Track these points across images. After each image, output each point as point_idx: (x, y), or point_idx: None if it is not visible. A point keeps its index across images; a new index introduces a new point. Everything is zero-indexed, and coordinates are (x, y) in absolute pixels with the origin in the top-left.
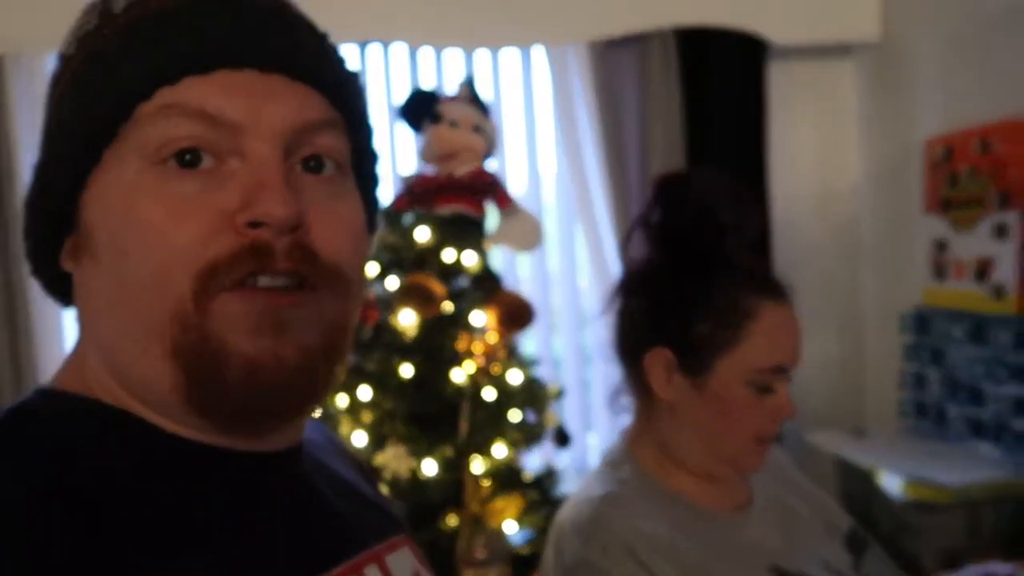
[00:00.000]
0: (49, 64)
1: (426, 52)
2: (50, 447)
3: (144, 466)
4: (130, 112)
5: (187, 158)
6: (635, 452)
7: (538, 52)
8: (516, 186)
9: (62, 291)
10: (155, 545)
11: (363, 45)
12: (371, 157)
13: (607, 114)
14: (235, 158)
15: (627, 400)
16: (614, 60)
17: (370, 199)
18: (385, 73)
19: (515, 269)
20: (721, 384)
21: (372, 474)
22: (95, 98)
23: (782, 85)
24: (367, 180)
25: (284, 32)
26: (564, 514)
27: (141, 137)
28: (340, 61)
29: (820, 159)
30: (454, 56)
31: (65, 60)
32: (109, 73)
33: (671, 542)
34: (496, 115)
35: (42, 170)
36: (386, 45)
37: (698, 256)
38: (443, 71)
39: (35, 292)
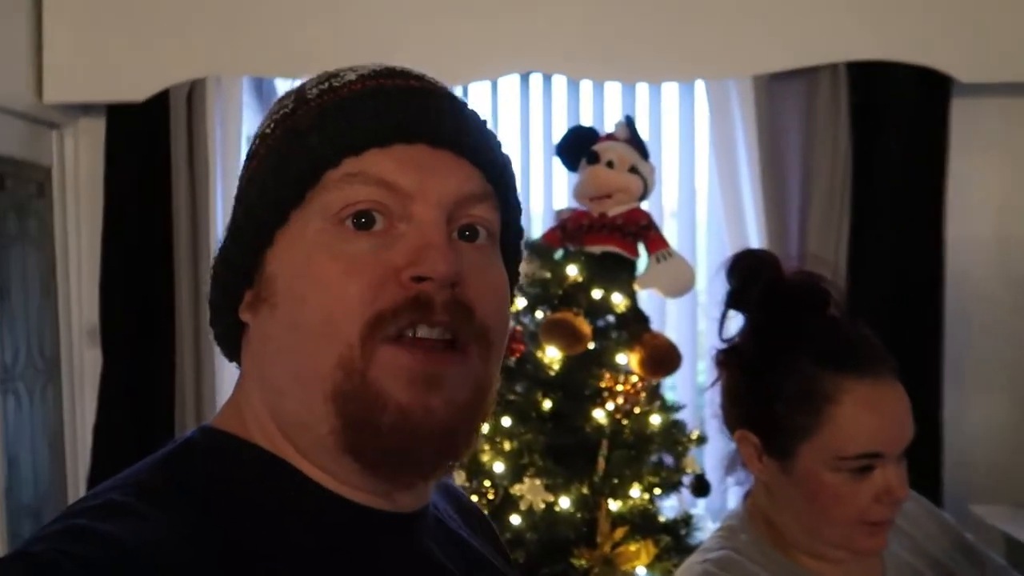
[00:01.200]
0: (244, 87)
1: (586, 85)
2: (206, 484)
3: (287, 512)
4: (319, 178)
5: (362, 220)
6: (753, 521)
7: (698, 86)
8: (668, 225)
9: (229, 342)
10: None
11: (525, 76)
12: (517, 232)
13: (768, 150)
14: (403, 222)
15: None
16: (778, 94)
17: (512, 271)
18: (545, 105)
19: (664, 308)
20: (806, 470)
21: (495, 535)
22: (289, 165)
23: (962, 123)
24: (511, 254)
25: (452, 115)
26: (678, 574)
27: (325, 199)
28: (498, 144)
29: (1001, 203)
30: (614, 89)
31: (262, 137)
32: (303, 144)
33: None
34: (654, 150)
35: (237, 229)
36: (547, 77)
37: (775, 335)
38: (603, 104)
39: None
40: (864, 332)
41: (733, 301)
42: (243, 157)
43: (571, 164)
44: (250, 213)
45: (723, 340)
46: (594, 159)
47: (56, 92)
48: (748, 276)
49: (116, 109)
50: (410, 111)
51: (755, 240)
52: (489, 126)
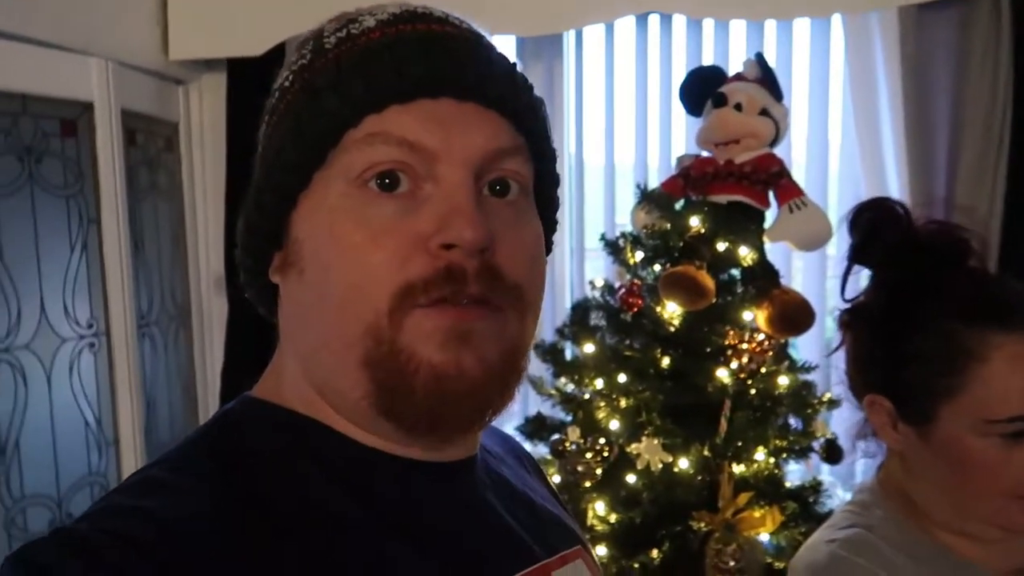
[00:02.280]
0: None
1: (709, 25)
2: (246, 453)
3: (328, 473)
4: (339, 139)
5: (386, 181)
6: (888, 495)
7: (834, 21)
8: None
9: (266, 303)
10: (331, 547)
11: (642, 17)
12: (552, 181)
13: (914, 91)
14: (429, 183)
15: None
16: (927, 27)
17: (549, 221)
18: (664, 48)
19: (790, 263)
20: (949, 435)
21: (550, 484)
22: (308, 126)
23: None
24: (547, 203)
25: (478, 64)
26: (801, 555)
27: (347, 161)
28: (528, 89)
29: None
30: (739, 29)
31: (281, 92)
32: (321, 104)
33: None
34: (785, 92)
35: (259, 191)
36: (666, 17)
37: (908, 291)
38: (727, 45)
39: None
40: (1011, 284)
41: (858, 255)
42: None
43: (694, 108)
44: (271, 176)
45: (847, 300)
46: (721, 101)
47: (181, 49)
48: (874, 229)
49: (236, 64)
50: (432, 62)
51: (895, 191)
52: (519, 69)
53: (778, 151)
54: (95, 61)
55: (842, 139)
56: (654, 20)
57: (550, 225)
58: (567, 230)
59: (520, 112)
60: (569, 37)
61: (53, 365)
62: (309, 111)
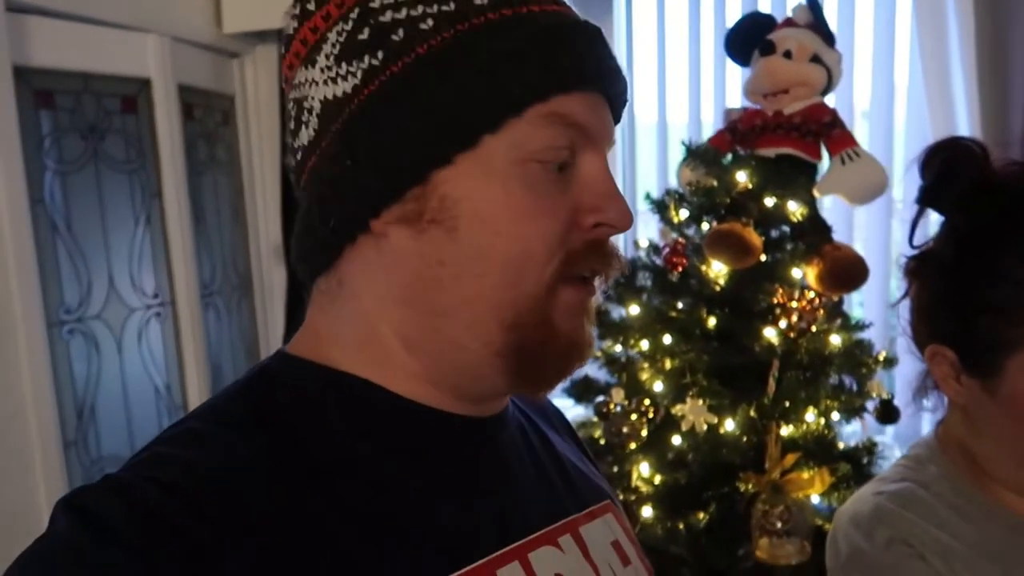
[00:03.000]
0: None
1: None
2: (283, 406)
3: (368, 425)
4: (523, 109)
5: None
6: (945, 450)
7: None
8: (860, 127)
9: (321, 258)
10: (370, 497)
11: None
12: None
13: (988, 27)
14: (583, 165)
15: (934, 394)
16: None
17: None
18: (719, 4)
19: (851, 217)
20: (1016, 389)
21: (580, 440)
22: (488, 88)
23: None
24: None
25: (614, 62)
26: (846, 506)
27: (526, 135)
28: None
29: None
30: None
31: (415, 33)
32: (501, 70)
33: (968, 555)
34: (844, 39)
35: (397, 137)
36: None
37: (981, 236)
38: None
39: None
40: None
41: (929, 198)
42: None
43: (743, 58)
44: (426, 126)
45: (915, 247)
46: (769, 49)
47: (234, 22)
48: (948, 169)
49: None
50: (602, 57)
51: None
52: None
53: (840, 98)
54: (151, 37)
55: (909, 84)
56: None
57: None
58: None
59: (621, 109)
60: None
61: (123, 334)
62: (485, 73)
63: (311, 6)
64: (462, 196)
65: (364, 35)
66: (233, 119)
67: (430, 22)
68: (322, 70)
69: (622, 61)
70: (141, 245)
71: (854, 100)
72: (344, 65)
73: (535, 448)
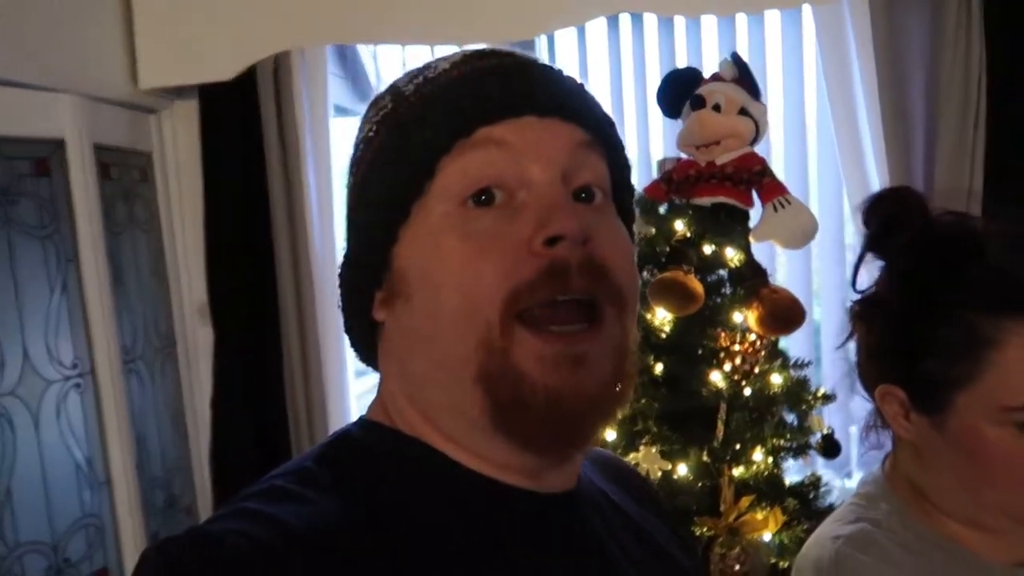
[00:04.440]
0: (328, 56)
1: (680, 23)
2: (364, 472)
3: (441, 497)
4: (433, 168)
5: (483, 198)
6: (894, 487)
7: (805, 12)
8: (777, 163)
9: (364, 346)
10: (440, 566)
11: (613, 19)
12: (629, 191)
13: (889, 75)
14: (523, 190)
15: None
16: (897, 12)
17: (628, 231)
18: (636, 48)
19: (774, 259)
20: (964, 424)
21: (665, 512)
22: (403, 160)
23: None
24: (627, 213)
25: (553, 84)
26: (806, 551)
27: (444, 183)
28: (598, 103)
29: None
30: (710, 25)
31: (366, 143)
32: (412, 137)
33: None
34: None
35: (358, 233)
36: (637, 17)
37: (926, 282)
38: (699, 42)
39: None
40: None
41: (875, 245)
42: (331, 127)
43: (673, 111)
44: (370, 215)
45: (858, 291)
46: (699, 103)
47: (150, 78)
48: (893, 218)
49: (207, 90)
50: (512, 86)
51: (875, 178)
52: (587, 88)
53: (757, 146)
54: (64, 97)
55: (819, 130)
56: (625, 21)
57: (632, 234)
58: None
59: (597, 123)
60: (541, 42)
61: (40, 409)
62: (400, 147)
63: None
64: (410, 264)
65: (354, 154)
66: (151, 176)
67: (373, 130)
68: None
69: None
70: (58, 313)
71: (770, 147)
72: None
73: (614, 524)
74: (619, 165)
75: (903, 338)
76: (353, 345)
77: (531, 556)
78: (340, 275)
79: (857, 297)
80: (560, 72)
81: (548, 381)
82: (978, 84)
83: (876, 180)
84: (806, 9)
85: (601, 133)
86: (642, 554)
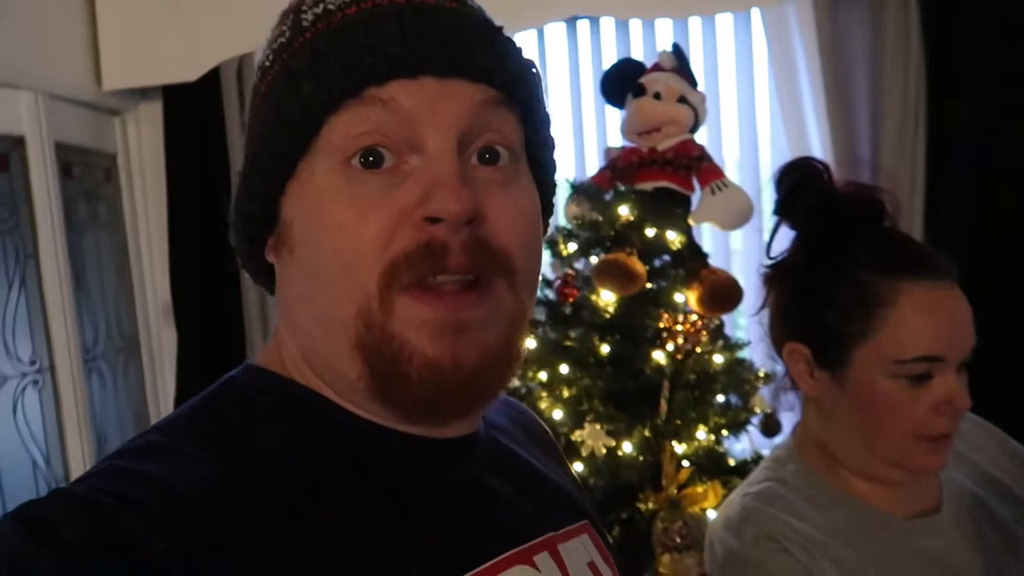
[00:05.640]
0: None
1: (636, 25)
2: (248, 418)
3: (327, 442)
4: (319, 127)
5: (370, 159)
6: (802, 449)
7: (754, 15)
8: (731, 158)
9: (266, 282)
10: (328, 520)
11: (571, 21)
12: (548, 144)
13: (833, 79)
14: (414, 154)
15: (792, 395)
16: (841, 17)
17: (547, 185)
18: (594, 50)
19: (727, 244)
20: (861, 378)
21: (562, 457)
22: (288, 114)
23: None
24: (544, 168)
25: (457, 38)
26: (719, 511)
27: (328, 140)
28: (514, 53)
29: None
30: (665, 28)
31: (262, 71)
32: (299, 90)
33: (825, 543)
34: (712, 86)
35: (247, 178)
36: (595, 20)
37: (827, 243)
38: (654, 44)
39: None
40: (918, 242)
41: (781, 209)
42: None
43: (617, 101)
44: (257, 164)
45: (771, 257)
46: (640, 92)
47: (114, 79)
48: (799, 184)
49: (171, 91)
50: (409, 41)
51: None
52: (503, 33)
53: (710, 146)
54: (25, 94)
55: (771, 128)
56: (583, 24)
57: (550, 189)
58: None
59: (508, 82)
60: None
61: None
62: (288, 98)
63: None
64: (293, 217)
65: (256, 79)
66: (116, 177)
67: (270, 58)
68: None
69: None
70: (16, 309)
71: (723, 148)
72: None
73: (508, 467)
74: (534, 120)
75: (807, 297)
76: (255, 280)
77: (421, 500)
78: (232, 215)
79: (769, 262)
80: (470, 19)
81: (428, 352)
82: (917, 79)
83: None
84: (755, 12)
85: (513, 88)
86: (536, 493)
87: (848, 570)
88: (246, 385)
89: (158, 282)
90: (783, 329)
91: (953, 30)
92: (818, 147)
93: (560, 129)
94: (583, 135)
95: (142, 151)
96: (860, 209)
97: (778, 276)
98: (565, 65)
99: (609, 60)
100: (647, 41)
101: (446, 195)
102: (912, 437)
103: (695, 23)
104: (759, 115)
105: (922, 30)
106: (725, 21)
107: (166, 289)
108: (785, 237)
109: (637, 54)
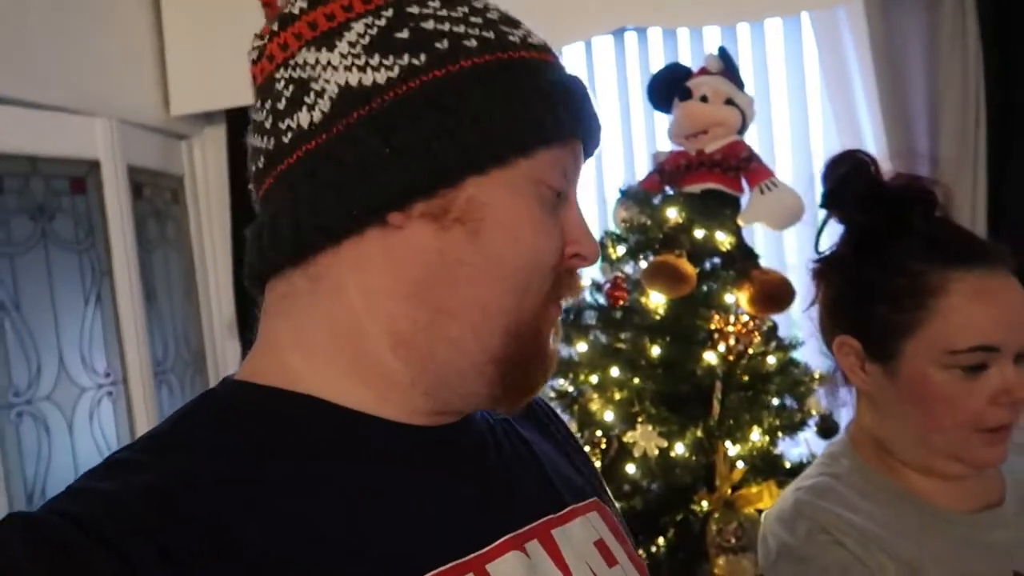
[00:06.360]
0: None
1: (683, 34)
2: (222, 426)
3: (308, 440)
4: (550, 144)
5: (558, 195)
6: (857, 445)
7: (804, 19)
8: (784, 162)
9: (297, 250)
10: (299, 515)
11: (619, 33)
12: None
13: (887, 80)
14: (566, 201)
15: (846, 391)
16: (895, 17)
17: None
18: (642, 60)
19: (783, 246)
20: (913, 370)
21: (570, 434)
22: (527, 119)
23: None
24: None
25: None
26: (773, 506)
27: (544, 163)
28: None
29: None
30: (712, 35)
31: (463, 51)
32: (541, 106)
33: (881, 536)
34: (763, 89)
35: (451, 140)
36: (642, 31)
37: (876, 235)
38: (702, 52)
39: None
40: (969, 231)
41: (828, 202)
42: None
43: (664, 106)
44: (471, 133)
45: (819, 252)
46: (687, 95)
47: (181, 104)
48: (847, 177)
49: (234, 115)
50: (595, 113)
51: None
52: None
53: (762, 150)
54: (100, 121)
55: (823, 136)
56: (631, 35)
57: None
58: None
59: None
60: None
61: (74, 414)
62: (530, 106)
63: None
64: (489, 202)
65: (404, 34)
66: (183, 198)
67: (474, 42)
68: (344, 56)
69: None
70: (92, 324)
71: (776, 158)
72: (377, 57)
73: (504, 451)
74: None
75: (857, 289)
76: (277, 243)
77: (415, 486)
78: (361, 156)
79: (817, 257)
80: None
81: (551, 349)
82: (976, 72)
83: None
84: (805, 16)
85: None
86: (532, 473)
87: (907, 566)
88: (224, 396)
89: (223, 298)
90: (833, 323)
91: (1011, 20)
92: (872, 146)
93: (609, 137)
94: (632, 143)
95: (207, 173)
96: (909, 200)
97: (827, 270)
98: (613, 76)
99: (657, 67)
100: (695, 49)
101: (594, 243)
102: (969, 429)
103: (743, 29)
104: (811, 118)
105: (979, 23)
106: (774, 25)
107: (231, 304)
108: (835, 232)
109: (685, 62)
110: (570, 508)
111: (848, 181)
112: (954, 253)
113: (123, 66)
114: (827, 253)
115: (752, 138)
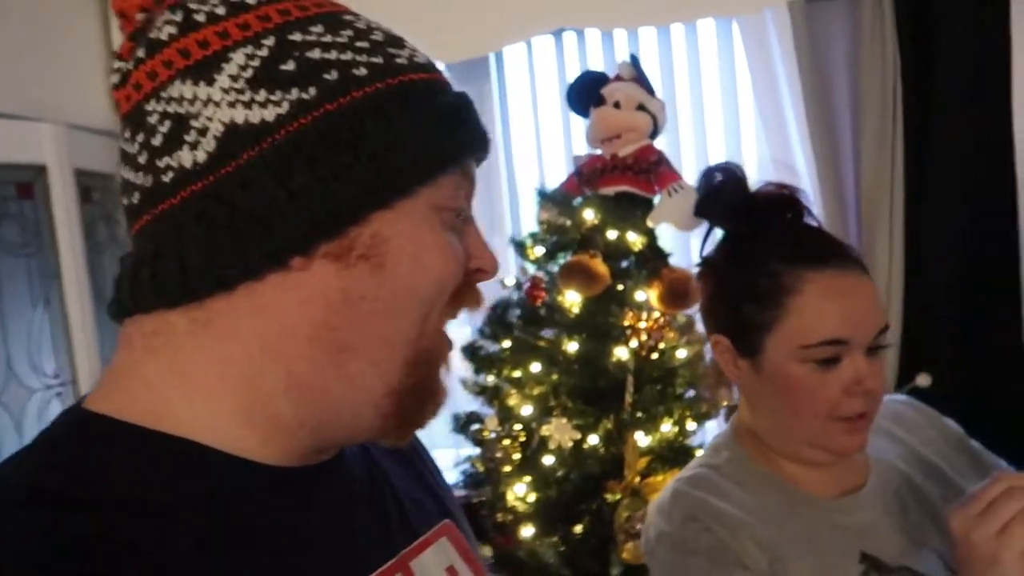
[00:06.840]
0: None
1: (620, 35)
2: (92, 477)
3: (177, 482)
4: (448, 168)
5: (457, 216)
6: (737, 436)
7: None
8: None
9: (199, 290)
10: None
11: (558, 34)
12: None
13: (811, 80)
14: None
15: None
16: (818, 18)
17: None
18: (581, 61)
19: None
20: (774, 364)
21: (420, 446)
22: (426, 146)
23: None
24: None
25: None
26: (654, 498)
27: (445, 187)
28: None
29: None
30: (650, 36)
31: (358, 79)
32: (439, 131)
33: (745, 521)
34: (694, 93)
35: (351, 177)
36: (580, 32)
37: (744, 240)
38: (639, 52)
39: None
40: (826, 233)
41: (700, 211)
42: None
43: (582, 110)
44: (371, 169)
45: (702, 257)
46: (600, 102)
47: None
48: (717, 187)
49: None
50: (481, 126)
51: (807, 177)
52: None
53: (696, 156)
54: (47, 126)
55: (756, 131)
56: (569, 35)
57: None
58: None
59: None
60: (491, 59)
61: (23, 415)
62: (428, 131)
63: (200, 17)
64: (393, 235)
65: (290, 66)
66: None
67: (363, 70)
68: (226, 91)
69: (496, 121)
70: (40, 327)
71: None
72: (263, 92)
73: (365, 483)
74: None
75: (727, 291)
76: (163, 286)
77: (278, 533)
78: (256, 201)
79: (699, 260)
80: None
81: (444, 384)
82: (894, 81)
83: (807, 177)
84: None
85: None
86: (388, 507)
87: (766, 547)
88: (94, 437)
89: None
90: (710, 322)
91: (926, 18)
92: (799, 148)
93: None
94: (572, 149)
95: None
96: (773, 207)
97: (705, 272)
98: (555, 75)
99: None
100: (632, 49)
101: (494, 257)
102: (826, 419)
103: (678, 31)
104: (743, 119)
105: (896, 22)
106: (707, 28)
107: None
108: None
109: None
110: (423, 538)
111: (719, 191)
112: (807, 254)
113: (71, 70)
114: (705, 258)
115: (687, 140)
